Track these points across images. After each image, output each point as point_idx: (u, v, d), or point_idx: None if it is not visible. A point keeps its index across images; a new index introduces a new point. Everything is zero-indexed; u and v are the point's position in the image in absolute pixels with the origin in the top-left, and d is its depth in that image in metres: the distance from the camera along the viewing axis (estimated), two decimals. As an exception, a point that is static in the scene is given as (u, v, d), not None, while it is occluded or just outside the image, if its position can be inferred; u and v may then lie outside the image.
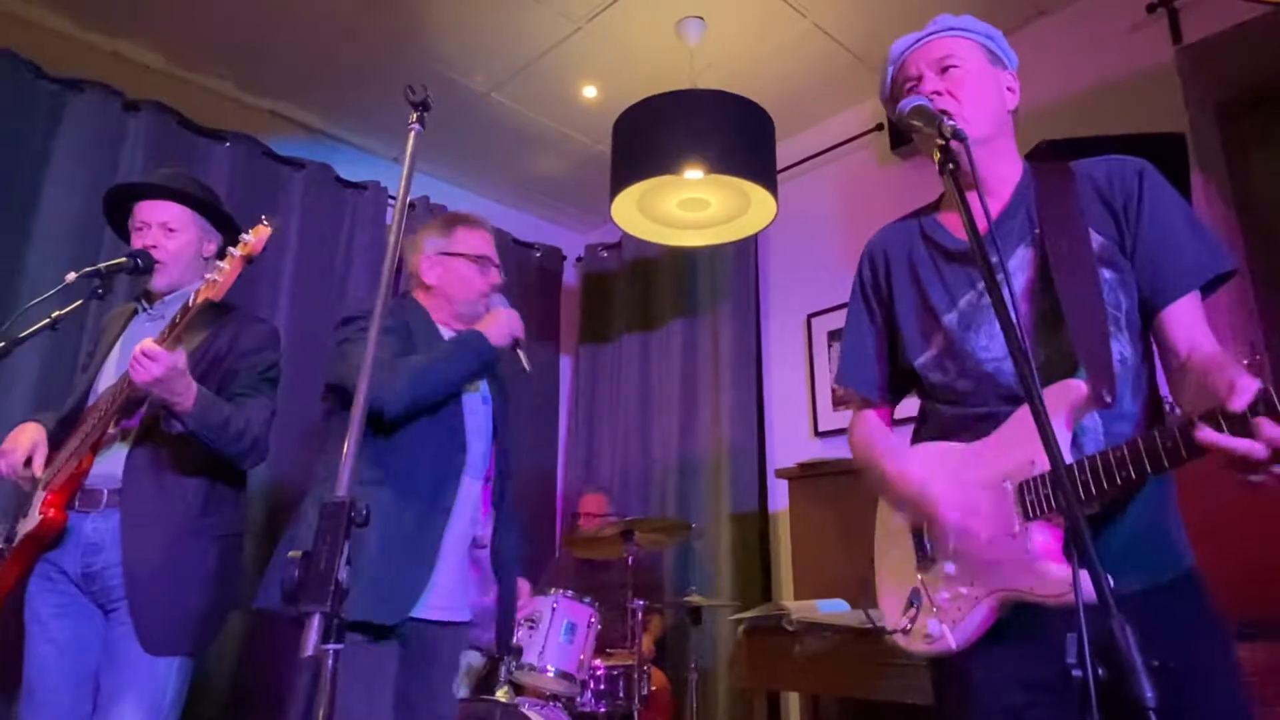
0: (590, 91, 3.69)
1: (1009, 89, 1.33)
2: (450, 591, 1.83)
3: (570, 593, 3.02)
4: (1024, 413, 1.16)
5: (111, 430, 1.82)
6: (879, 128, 3.62)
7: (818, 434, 3.64)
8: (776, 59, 3.47)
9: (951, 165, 1.09)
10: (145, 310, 2.01)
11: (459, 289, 1.99)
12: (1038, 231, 1.23)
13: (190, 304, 1.67)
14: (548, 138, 4.06)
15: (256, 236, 1.64)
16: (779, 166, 3.17)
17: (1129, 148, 2.32)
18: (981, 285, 1.25)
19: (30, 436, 1.82)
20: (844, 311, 3.80)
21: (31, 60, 3.06)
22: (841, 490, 3.03)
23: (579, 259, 4.91)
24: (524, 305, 4.50)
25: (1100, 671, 0.75)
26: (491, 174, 4.41)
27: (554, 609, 2.94)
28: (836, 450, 3.46)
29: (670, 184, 2.98)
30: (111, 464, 1.81)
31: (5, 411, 2.57)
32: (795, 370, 3.82)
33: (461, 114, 3.83)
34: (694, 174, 2.84)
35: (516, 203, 4.70)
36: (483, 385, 2.00)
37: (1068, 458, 1.05)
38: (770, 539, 3.69)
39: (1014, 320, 0.95)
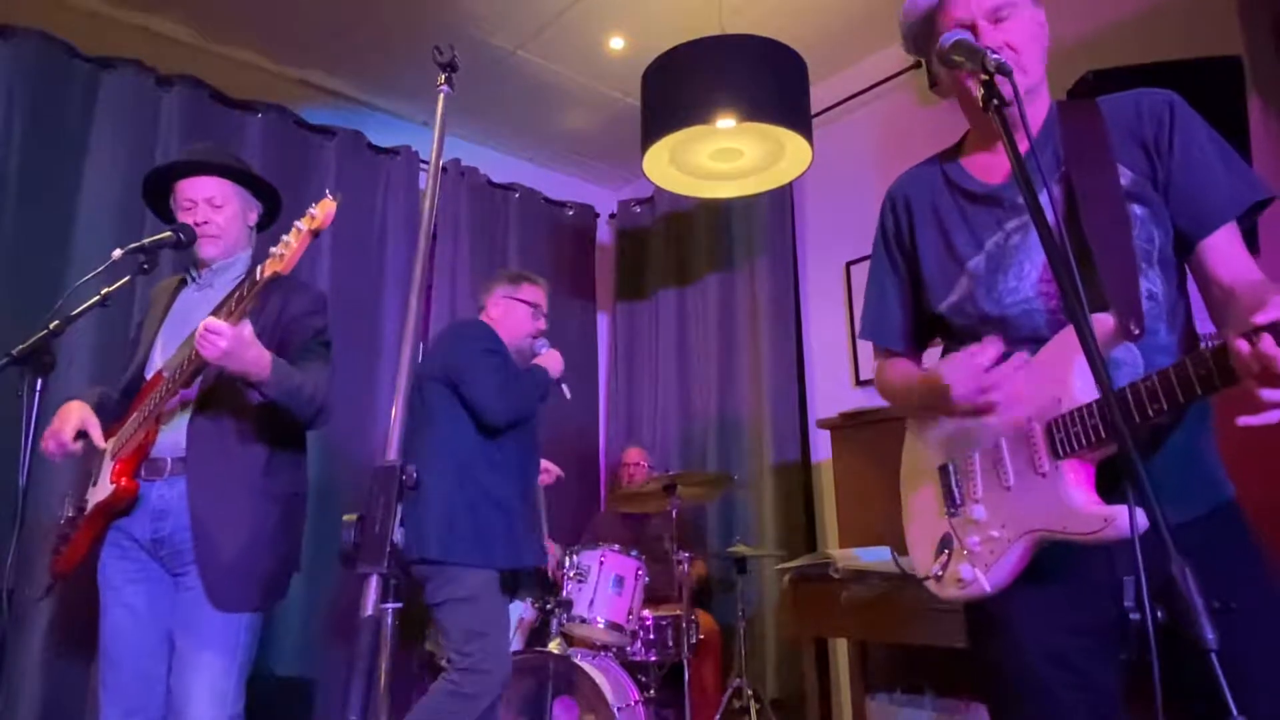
0: (618, 43, 3.63)
1: (1041, 25, 1.29)
2: None
3: (617, 546, 3.06)
4: (1047, 352, 1.17)
5: (171, 401, 1.86)
6: (918, 65, 3.51)
7: (859, 383, 3.61)
8: (807, 0, 3.37)
9: (997, 101, 1.05)
10: (194, 280, 2.04)
11: (515, 326, 2.67)
12: (1064, 169, 1.22)
13: (259, 277, 1.68)
14: (576, 93, 4.01)
15: (324, 211, 1.63)
16: (813, 111, 3.09)
17: (1181, 74, 2.23)
18: (1010, 226, 1.24)
19: (77, 414, 1.86)
20: (884, 258, 3.69)
21: (65, 40, 3.09)
22: (884, 439, 3.00)
23: (612, 216, 4.88)
24: (558, 264, 4.52)
25: (1160, 614, 0.75)
26: (522, 133, 4.38)
27: (601, 562, 3.00)
28: (879, 399, 3.42)
29: (702, 134, 2.93)
30: (175, 433, 1.86)
31: (64, 385, 2.65)
32: (835, 320, 3.77)
33: (489, 73, 3.79)
34: (726, 123, 2.79)
35: (548, 161, 4.67)
36: None
37: (1097, 393, 1.04)
38: (813, 489, 3.70)
39: (1059, 248, 0.95)
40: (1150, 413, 1.01)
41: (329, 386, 1.96)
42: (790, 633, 2.83)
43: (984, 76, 1.07)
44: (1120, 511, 1.03)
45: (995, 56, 1.08)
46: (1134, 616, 0.77)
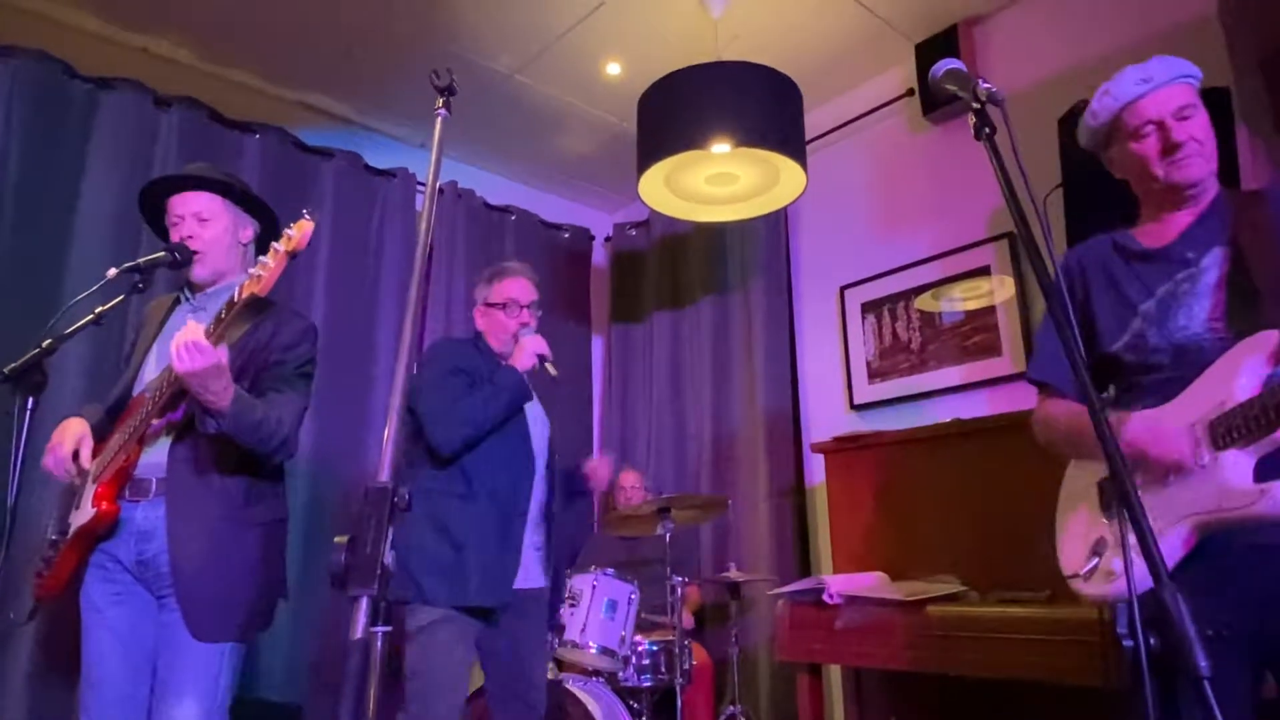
0: (614, 69, 3.66)
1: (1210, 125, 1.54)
2: (528, 566, 2.35)
3: (611, 570, 3.04)
4: (1216, 366, 1.33)
5: (157, 423, 1.85)
6: (910, 93, 3.55)
7: (853, 407, 3.61)
8: (802, 27, 3.41)
9: (989, 130, 1.07)
10: (188, 300, 2.04)
11: (497, 332, 2.51)
12: (1231, 233, 1.43)
13: (235, 299, 1.68)
14: (573, 117, 4.04)
15: (300, 232, 1.63)
16: (808, 137, 3.12)
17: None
18: (1179, 276, 1.45)
19: (75, 431, 1.85)
20: (877, 283, 3.76)
21: (64, 60, 3.11)
22: (879, 463, 3.01)
23: (608, 239, 4.90)
24: (553, 286, 4.53)
25: (1153, 641, 0.75)
26: (518, 156, 4.41)
27: (594, 586, 2.97)
28: (872, 423, 3.43)
29: (697, 159, 2.95)
30: (158, 455, 1.84)
31: (56, 404, 2.63)
32: (829, 344, 3.78)
33: (486, 97, 3.82)
34: (721, 148, 2.81)
35: (544, 184, 4.70)
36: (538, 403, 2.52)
37: (1259, 390, 1.25)
38: (807, 513, 3.69)
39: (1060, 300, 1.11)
40: None
41: (299, 420, 1.94)
42: (784, 658, 2.80)
43: (975, 105, 1.09)
44: (1276, 486, 1.17)
45: (986, 86, 1.11)
46: (1127, 643, 0.77)
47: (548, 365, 2.40)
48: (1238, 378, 1.27)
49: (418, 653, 2.18)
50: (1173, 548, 1.28)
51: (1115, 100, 1.55)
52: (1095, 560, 1.37)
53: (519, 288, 2.54)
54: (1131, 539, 0.85)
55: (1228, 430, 1.25)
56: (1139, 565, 1.27)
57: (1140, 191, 1.59)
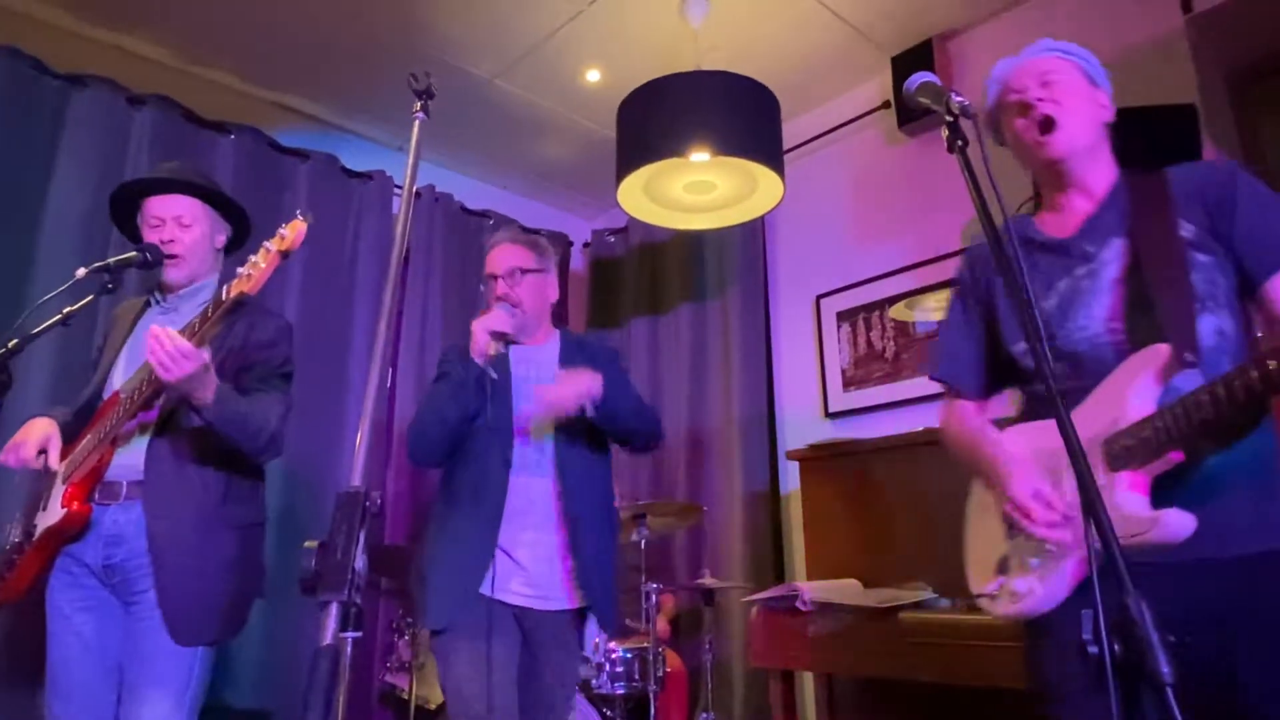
0: (594, 75, 3.67)
1: (1103, 105, 1.44)
2: (538, 582, 2.06)
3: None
4: (1110, 379, 1.26)
5: (129, 423, 1.82)
6: (886, 105, 3.59)
7: (828, 415, 3.64)
8: (781, 38, 3.44)
9: (961, 142, 1.09)
10: (159, 303, 2.01)
11: None
12: (1129, 225, 1.34)
13: (225, 298, 1.66)
14: (552, 123, 4.04)
15: (294, 232, 1.62)
16: (785, 147, 3.14)
17: (1140, 120, 2.30)
18: (1079, 272, 1.36)
19: (41, 431, 1.82)
20: (852, 292, 3.78)
21: (35, 56, 3.06)
22: (852, 471, 3.03)
23: (586, 244, 4.90)
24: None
25: (1116, 648, 0.76)
26: (497, 161, 4.40)
27: (568, 593, 2.95)
28: (847, 431, 3.46)
29: (676, 167, 2.96)
30: (132, 456, 1.82)
31: (21, 406, 2.58)
32: (805, 352, 3.81)
33: (466, 101, 3.81)
34: (700, 156, 2.82)
35: (522, 189, 4.69)
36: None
37: (1151, 409, 1.18)
38: (782, 520, 3.70)
39: (1029, 296, 1.05)
40: (1197, 421, 1.10)
41: (284, 419, 1.93)
42: (758, 665, 2.81)
43: (948, 118, 1.11)
44: (1167, 515, 1.12)
45: (959, 100, 1.12)
46: (1092, 650, 0.78)
47: (493, 345, 2.01)
48: (1129, 395, 1.22)
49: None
50: (1066, 575, 1.23)
51: (994, 83, 1.49)
52: (1000, 580, 1.33)
53: (493, 258, 2.23)
54: (1094, 547, 0.86)
55: (1122, 450, 1.20)
56: (1047, 587, 1.25)
57: (1034, 172, 1.50)
